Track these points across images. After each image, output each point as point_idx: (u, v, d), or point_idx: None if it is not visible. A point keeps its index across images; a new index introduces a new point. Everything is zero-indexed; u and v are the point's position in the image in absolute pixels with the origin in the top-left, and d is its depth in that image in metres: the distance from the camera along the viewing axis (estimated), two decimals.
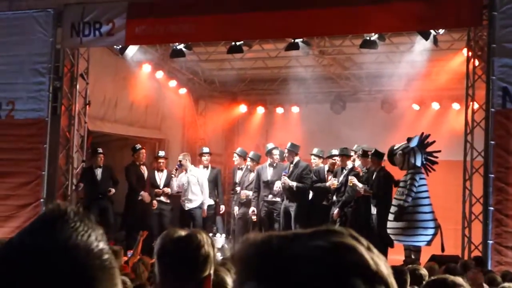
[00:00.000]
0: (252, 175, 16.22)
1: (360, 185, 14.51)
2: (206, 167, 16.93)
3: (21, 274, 1.22)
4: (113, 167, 16.73)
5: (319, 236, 1.21)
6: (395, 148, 13.85)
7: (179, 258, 3.01)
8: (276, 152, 16.04)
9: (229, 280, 3.98)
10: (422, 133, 13.84)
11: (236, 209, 16.47)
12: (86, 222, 1.30)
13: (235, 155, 17.03)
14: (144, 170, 16.74)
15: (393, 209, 13.36)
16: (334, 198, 15.18)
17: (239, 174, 16.66)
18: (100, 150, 16.36)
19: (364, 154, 14.90)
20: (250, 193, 16.08)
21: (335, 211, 14.98)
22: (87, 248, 1.26)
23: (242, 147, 17.66)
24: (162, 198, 16.58)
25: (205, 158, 17.06)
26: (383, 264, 1.20)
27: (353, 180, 14.67)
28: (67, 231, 1.27)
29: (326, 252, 1.17)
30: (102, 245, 1.29)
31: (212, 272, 3.04)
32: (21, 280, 1.21)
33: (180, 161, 16.36)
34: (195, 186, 16.21)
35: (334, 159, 15.74)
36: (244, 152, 16.90)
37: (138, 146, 16.94)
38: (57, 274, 1.22)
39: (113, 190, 16.02)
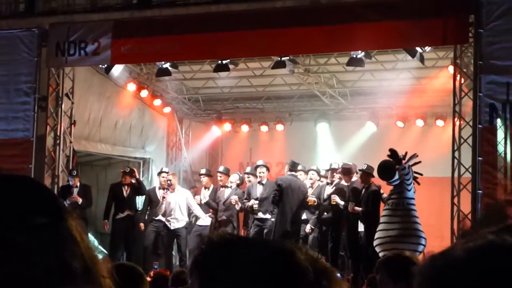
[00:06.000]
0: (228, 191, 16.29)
1: (341, 202, 14.62)
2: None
3: None
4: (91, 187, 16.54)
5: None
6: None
7: None
8: (263, 170, 16.05)
9: None
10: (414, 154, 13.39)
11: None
12: None
13: (219, 174, 16.84)
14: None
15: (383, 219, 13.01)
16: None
17: (226, 193, 16.51)
18: (74, 173, 16.00)
19: (345, 171, 14.94)
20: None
21: (308, 227, 15.36)
22: None
23: (226, 165, 17.58)
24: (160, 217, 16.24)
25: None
26: None
27: (335, 198, 14.77)
28: None
29: None
30: None
31: None
32: None
33: (170, 180, 16.22)
34: (183, 206, 16.17)
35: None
36: (228, 170, 16.86)
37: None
38: None
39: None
